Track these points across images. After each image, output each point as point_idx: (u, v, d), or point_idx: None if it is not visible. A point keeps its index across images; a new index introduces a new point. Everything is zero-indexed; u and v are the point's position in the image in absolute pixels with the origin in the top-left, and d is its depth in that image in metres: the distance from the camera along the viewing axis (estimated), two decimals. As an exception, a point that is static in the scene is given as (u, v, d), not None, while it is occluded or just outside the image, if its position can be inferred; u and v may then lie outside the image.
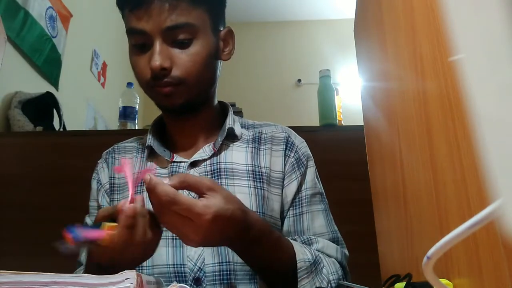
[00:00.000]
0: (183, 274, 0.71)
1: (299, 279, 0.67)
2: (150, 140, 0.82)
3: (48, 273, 0.41)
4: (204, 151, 0.80)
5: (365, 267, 1.13)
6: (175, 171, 0.79)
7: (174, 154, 0.81)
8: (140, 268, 0.73)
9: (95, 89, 2.64)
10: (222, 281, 0.70)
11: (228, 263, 0.71)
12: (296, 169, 0.82)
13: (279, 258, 0.66)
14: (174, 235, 0.72)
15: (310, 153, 0.87)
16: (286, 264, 0.67)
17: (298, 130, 1.45)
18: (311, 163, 0.86)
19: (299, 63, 3.90)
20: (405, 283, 0.49)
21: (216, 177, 0.78)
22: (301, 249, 0.70)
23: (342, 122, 1.60)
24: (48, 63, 2.07)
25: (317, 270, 0.69)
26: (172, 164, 0.80)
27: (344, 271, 0.78)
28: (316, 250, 0.74)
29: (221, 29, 0.83)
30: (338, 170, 1.35)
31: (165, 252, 0.73)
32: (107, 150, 0.89)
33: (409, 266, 0.68)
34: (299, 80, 3.88)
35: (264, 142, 0.84)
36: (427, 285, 0.41)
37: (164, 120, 0.86)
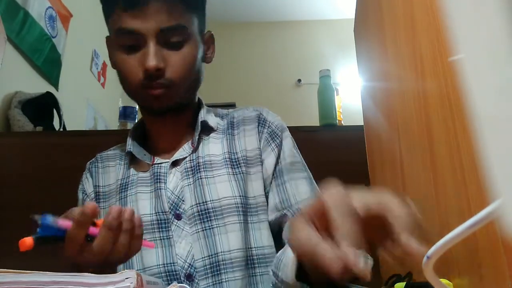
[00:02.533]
0: (174, 273, 0.72)
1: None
2: (129, 146, 0.82)
3: (48, 273, 0.41)
4: (184, 149, 0.81)
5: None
6: (157, 173, 0.79)
7: (155, 157, 0.82)
8: None
9: (95, 89, 2.64)
10: (213, 273, 0.71)
11: (216, 255, 0.72)
12: (271, 141, 0.82)
13: None
14: (161, 236, 0.73)
15: (284, 125, 0.87)
16: None
17: (298, 130, 1.45)
18: (286, 133, 0.85)
19: (299, 63, 3.89)
20: (405, 283, 0.49)
21: (196, 172, 0.78)
22: None
23: (342, 122, 1.60)
24: (48, 63, 2.07)
25: None
26: (153, 166, 0.80)
27: None
28: None
29: (204, 32, 0.85)
30: (338, 170, 1.35)
31: (155, 253, 0.73)
32: (90, 161, 0.90)
33: (409, 266, 0.68)
34: (299, 80, 3.88)
35: (237, 126, 0.85)
36: (427, 285, 0.41)
37: (144, 124, 0.87)
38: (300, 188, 0.78)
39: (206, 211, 0.74)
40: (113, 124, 2.48)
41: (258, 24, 4.06)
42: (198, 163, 0.79)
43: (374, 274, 1.10)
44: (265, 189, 0.79)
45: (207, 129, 0.83)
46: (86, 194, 0.85)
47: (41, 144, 1.52)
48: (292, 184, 0.78)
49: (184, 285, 0.48)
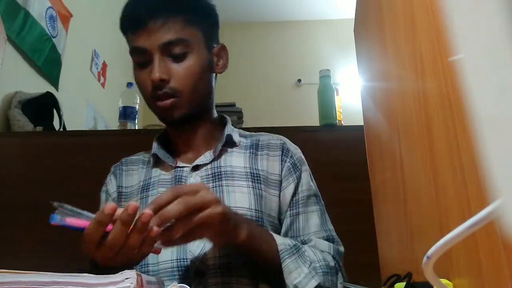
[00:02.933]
0: (185, 268, 0.75)
1: (282, 260, 0.71)
2: (155, 149, 0.88)
3: (48, 273, 0.41)
4: (205, 156, 0.86)
5: (365, 267, 1.13)
6: (179, 175, 0.84)
7: (177, 160, 0.87)
8: (146, 265, 0.77)
9: (95, 89, 2.64)
10: (223, 273, 0.74)
11: (228, 256, 0.75)
12: (292, 172, 0.88)
13: (267, 246, 0.72)
14: None
15: (303, 158, 0.93)
16: (273, 251, 0.72)
17: (298, 130, 1.45)
18: (305, 167, 0.92)
19: (299, 63, 3.89)
20: (405, 283, 0.49)
21: (217, 179, 0.83)
22: (282, 238, 0.76)
23: (342, 122, 1.60)
24: (48, 63, 2.07)
25: (299, 253, 0.74)
26: (176, 169, 0.85)
27: (338, 265, 0.82)
28: (309, 246, 0.80)
29: (215, 45, 0.91)
30: (338, 170, 1.35)
31: (169, 251, 0.77)
32: (115, 164, 0.95)
33: (409, 266, 0.68)
34: (299, 80, 3.88)
35: (261, 148, 0.90)
36: (427, 285, 0.41)
37: (167, 132, 0.93)
38: (310, 222, 0.85)
39: None
40: (113, 124, 2.48)
41: (258, 24, 4.06)
42: (220, 171, 0.85)
43: (374, 274, 1.09)
44: (280, 214, 0.85)
45: (230, 143, 0.89)
46: (109, 194, 0.90)
47: (41, 144, 1.52)
48: (304, 217, 0.85)
49: (184, 285, 0.48)
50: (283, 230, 0.84)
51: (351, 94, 3.13)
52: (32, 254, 1.28)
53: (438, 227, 0.50)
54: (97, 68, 2.66)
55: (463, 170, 0.40)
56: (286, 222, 0.84)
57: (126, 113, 1.74)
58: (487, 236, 0.35)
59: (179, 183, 0.83)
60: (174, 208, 0.58)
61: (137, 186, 0.87)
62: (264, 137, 0.93)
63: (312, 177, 0.92)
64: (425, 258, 0.25)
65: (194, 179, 0.83)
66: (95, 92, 2.62)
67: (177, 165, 0.86)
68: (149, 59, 0.81)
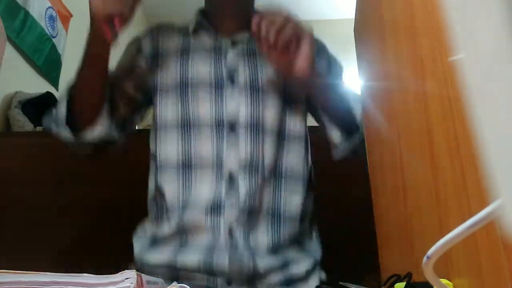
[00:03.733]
0: (222, 122, 0.83)
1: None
2: (198, 17, 0.94)
3: (48, 273, 0.41)
4: (243, 34, 0.93)
5: (365, 267, 1.13)
6: (218, 45, 0.90)
7: (218, 32, 0.93)
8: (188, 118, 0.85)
9: (95, 89, 2.64)
10: (252, 128, 0.84)
11: (258, 112, 0.85)
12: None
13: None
14: (216, 92, 0.86)
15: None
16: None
17: (298, 130, 1.45)
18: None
19: (299, 63, 3.89)
20: (405, 283, 0.49)
21: (252, 56, 0.90)
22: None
23: (342, 122, 1.60)
24: (48, 63, 2.07)
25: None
26: (216, 40, 0.92)
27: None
28: None
29: None
30: (338, 170, 1.35)
31: (209, 106, 0.85)
32: (151, 26, 0.99)
33: (409, 266, 0.68)
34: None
35: None
36: (427, 285, 0.41)
37: (209, 10, 0.98)
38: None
39: (256, 82, 0.87)
40: (113, 124, 2.47)
41: (258, 24, 4.05)
42: (255, 50, 0.91)
43: (374, 274, 1.09)
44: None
45: None
46: (140, 50, 0.96)
47: (41, 144, 1.52)
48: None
49: (184, 285, 0.48)
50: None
51: (351, 94, 3.13)
52: (32, 254, 1.28)
53: (438, 227, 0.50)
54: (97, 68, 2.66)
55: (463, 170, 0.40)
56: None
57: (126, 113, 1.74)
58: (487, 236, 0.35)
59: (219, 52, 0.89)
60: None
61: (176, 48, 0.91)
62: None
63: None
64: (425, 258, 0.25)
65: (232, 52, 0.90)
66: (95, 92, 2.62)
67: (217, 37, 0.91)
68: None
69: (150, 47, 0.94)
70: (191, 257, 0.76)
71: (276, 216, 0.83)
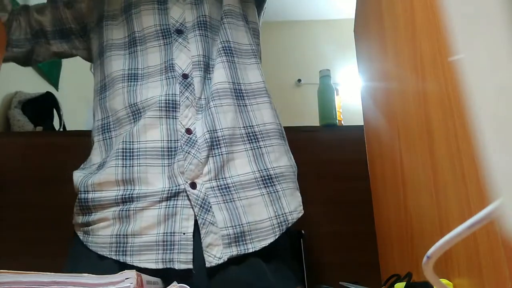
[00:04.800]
0: (167, 30, 0.81)
1: None
2: None
3: (48, 273, 0.41)
4: None
5: (365, 267, 1.14)
6: None
7: None
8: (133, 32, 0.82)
9: (95, 89, 2.64)
10: (200, 28, 0.80)
11: (204, 16, 0.82)
12: None
13: None
14: (157, 3, 0.84)
15: None
16: None
17: (299, 130, 1.45)
18: None
19: (299, 63, 3.89)
20: (405, 283, 0.49)
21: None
22: None
23: (342, 122, 1.60)
24: (48, 63, 2.06)
25: None
26: None
27: None
28: None
29: None
30: (338, 170, 1.35)
31: (152, 18, 0.82)
32: None
33: (409, 266, 0.68)
34: (299, 80, 3.88)
35: None
36: (427, 285, 0.41)
37: None
38: None
39: (204, 20, 0.82)
40: (113, 124, 2.48)
41: (258, 24, 4.05)
42: None
43: (374, 274, 1.10)
44: None
45: None
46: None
47: (41, 144, 1.52)
48: None
49: (184, 285, 0.48)
50: None
51: (351, 94, 3.13)
52: (32, 254, 1.28)
53: (438, 227, 0.50)
54: (97, 68, 2.66)
55: (463, 170, 0.40)
56: None
57: (126, 113, 1.74)
58: (487, 236, 0.35)
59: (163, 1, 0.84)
60: None
61: (120, 7, 0.86)
62: None
63: None
64: (425, 258, 0.25)
65: (178, 1, 0.85)
66: (95, 92, 2.62)
67: None
68: None
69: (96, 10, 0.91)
70: (151, 161, 0.71)
71: (240, 97, 0.78)
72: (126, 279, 0.41)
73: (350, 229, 1.27)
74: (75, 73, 2.38)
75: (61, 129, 1.83)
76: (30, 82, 1.91)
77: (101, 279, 0.41)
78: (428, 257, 0.25)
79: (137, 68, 0.80)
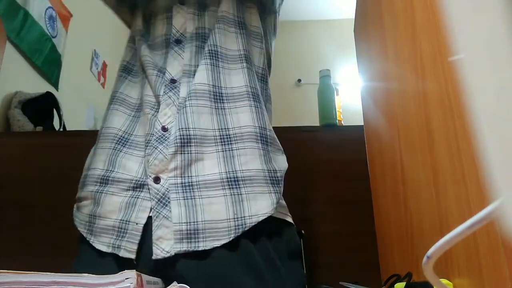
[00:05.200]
0: (168, 40, 0.84)
1: None
2: None
3: (48, 273, 0.41)
4: None
5: (365, 267, 1.14)
6: None
7: None
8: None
9: (95, 89, 2.64)
10: (197, 40, 0.83)
11: (203, 28, 0.84)
12: None
13: None
14: (167, 15, 0.88)
15: None
16: None
17: (299, 130, 1.45)
18: None
19: (299, 63, 3.89)
20: (405, 283, 0.49)
21: None
22: None
23: (342, 122, 1.60)
24: (48, 63, 2.07)
25: None
26: None
27: None
28: None
29: None
30: (338, 170, 1.35)
31: (161, 27, 0.86)
32: None
33: (409, 266, 0.68)
34: (299, 80, 3.88)
35: None
36: (427, 285, 0.41)
37: None
38: None
39: (203, 33, 0.84)
40: (113, 124, 2.47)
41: (258, 24, 4.05)
42: None
43: (374, 274, 1.10)
44: None
45: None
46: None
47: (41, 144, 1.52)
48: None
49: (184, 285, 0.48)
50: None
51: (351, 94, 3.13)
52: (32, 254, 1.28)
53: (438, 227, 0.50)
54: (97, 68, 2.66)
55: (463, 170, 0.40)
56: None
57: (126, 113, 1.74)
58: (487, 236, 0.35)
59: None
60: None
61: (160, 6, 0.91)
62: None
63: None
64: (425, 258, 0.25)
65: None
66: (95, 92, 2.62)
67: None
68: None
69: None
70: (132, 151, 0.77)
71: (219, 100, 0.80)
72: (126, 279, 0.41)
73: (350, 229, 1.27)
74: (75, 73, 2.39)
75: (61, 129, 1.83)
76: (30, 82, 1.91)
77: (101, 279, 0.41)
78: (428, 257, 0.25)
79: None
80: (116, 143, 0.79)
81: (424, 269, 0.26)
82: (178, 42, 0.84)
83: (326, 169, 1.33)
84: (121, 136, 0.79)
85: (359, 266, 1.19)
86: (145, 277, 0.44)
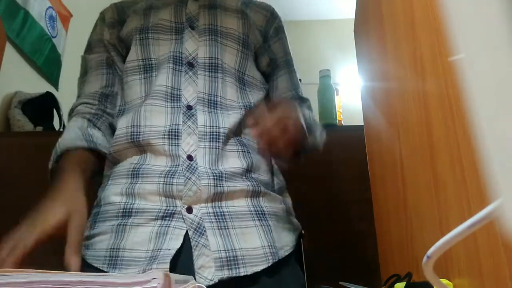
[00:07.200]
0: (180, 59, 0.85)
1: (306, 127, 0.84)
2: None
3: (75, 273, 0.41)
4: None
5: (365, 267, 1.14)
6: (180, 0, 0.93)
7: None
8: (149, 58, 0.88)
9: (95, 89, 2.64)
10: (211, 68, 0.85)
11: (216, 59, 0.86)
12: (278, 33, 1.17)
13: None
14: (176, 37, 0.89)
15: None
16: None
17: (298, 130, 1.45)
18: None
19: (299, 63, 3.88)
20: (405, 283, 0.49)
21: (213, 8, 0.93)
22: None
23: (342, 122, 1.60)
24: (48, 63, 2.07)
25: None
26: None
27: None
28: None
29: None
30: (338, 170, 1.35)
31: (168, 46, 0.87)
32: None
33: (409, 266, 0.68)
34: (299, 80, 3.88)
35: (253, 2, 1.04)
36: (427, 285, 0.41)
37: None
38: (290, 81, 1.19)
39: (215, 28, 0.89)
40: (113, 124, 2.47)
41: (258, 24, 4.05)
42: (216, 2, 0.94)
43: (374, 274, 1.10)
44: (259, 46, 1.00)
45: None
46: (104, 21, 1.01)
47: (41, 144, 1.52)
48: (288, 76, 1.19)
49: (201, 285, 0.48)
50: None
51: (351, 94, 3.13)
52: (31, 254, 1.28)
53: (438, 227, 0.50)
54: (97, 68, 2.66)
55: (463, 169, 0.40)
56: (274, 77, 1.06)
57: (126, 113, 1.74)
58: (487, 236, 0.35)
59: (180, 4, 0.91)
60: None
61: (140, 8, 0.93)
62: None
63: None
64: (425, 258, 0.25)
65: (193, 4, 0.91)
66: (95, 92, 2.62)
67: None
68: None
69: (112, 14, 0.98)
70: (151, 179, 0.76)
71: (243, 144, 0.83)
72: (153, 279, 0.40)
73: (350, 229, 1.27)
74: (75, 73, 2.38)
75: (61, 129, 1.83)
76: (30, 82, 1.91)
77: (128, 278, 0.40)
78: (428, 257, 0.25)
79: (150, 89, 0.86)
80: (131, 176, 0.78)
81: (424, 269, 0.26)
82: (191, 65, 0.86)
83: (326, 169, 1.34)
84: (133, 168, 0.78)
85: (359, 266, 1.19)
86: (173, 276, 0.43)
